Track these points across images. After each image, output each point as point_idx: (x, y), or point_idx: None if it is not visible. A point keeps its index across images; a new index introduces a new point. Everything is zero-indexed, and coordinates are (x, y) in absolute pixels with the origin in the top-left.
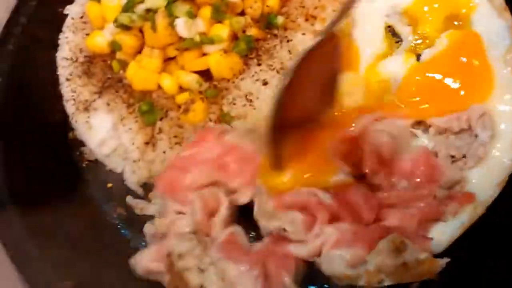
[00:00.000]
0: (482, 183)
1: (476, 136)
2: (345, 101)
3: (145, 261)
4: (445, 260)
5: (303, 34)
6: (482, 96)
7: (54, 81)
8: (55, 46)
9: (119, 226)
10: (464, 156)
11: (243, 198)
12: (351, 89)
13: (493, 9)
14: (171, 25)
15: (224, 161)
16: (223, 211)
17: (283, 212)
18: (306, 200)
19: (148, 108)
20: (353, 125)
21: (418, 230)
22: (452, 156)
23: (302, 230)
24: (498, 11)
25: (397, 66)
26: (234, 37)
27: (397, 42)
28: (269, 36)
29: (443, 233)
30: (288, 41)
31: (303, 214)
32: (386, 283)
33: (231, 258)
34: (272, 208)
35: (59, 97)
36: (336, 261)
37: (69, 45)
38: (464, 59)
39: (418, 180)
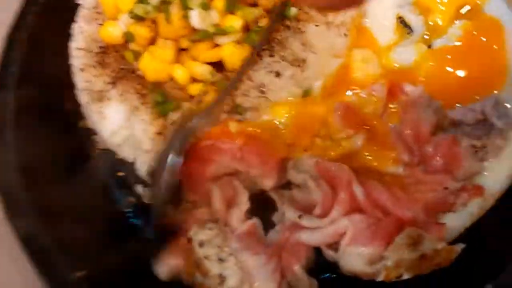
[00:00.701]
0: (493, 175)
1: (492, 125)
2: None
3: (166, 261)
4: (461, 245)
5: (316, 25)
6: (496, 85)
7: (66, 70)
8: (68, 36)
9: (129, 215)
10: (484, 146)
11: (268, 181)
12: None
13: (503, 1)
14: (185, 16)
15: (244, 151)
16: (245, 202)
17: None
18: (341, 181)
19: (162, 99)
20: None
21: (429, 218)
22: (474, 146)
23: (319, 204)
24: (508, 2)
25: (408, 54)
26: (247, 29)
27: (408, 33)
28: (282, 27)
29: (454, 221)
30: (301, 32)
31: (329, 188)
32: (405, 277)
33: (250, 249)
34: (309, 166)
35: (71, 86)
36: (355, 258)
37: (83, 35)
38: (482, 45)
39: (437, 164)
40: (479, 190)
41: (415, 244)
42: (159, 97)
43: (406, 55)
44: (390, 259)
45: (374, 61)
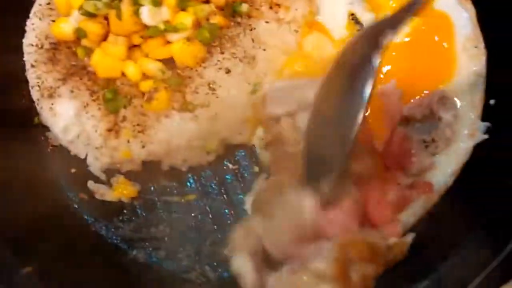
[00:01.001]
0: (439, 170)
1: (440, 118)
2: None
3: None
4: (411, 235)
5: (267, 22)
6: (444, 80)
7: (21, 67)
8: (23, 32)
9: (81, 211)
10: (433, 140)
11: None
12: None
13: None
14: (136, 13)
15: None
16: None
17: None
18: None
19: (112, 96)
20: None
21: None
22: (424, 141)
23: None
24: (458, 0)
25: None
26: (198, 25)
27: (359, 29)
28: (232, 24)
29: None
30: (251, 29)
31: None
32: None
33: None
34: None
35: (25, 83)
36: None
37: (35, 31)
38: (433, 40)
39: (389, 162)
40: (428, 187)
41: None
42: (110, 94)
43: None
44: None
45: (326, 42)
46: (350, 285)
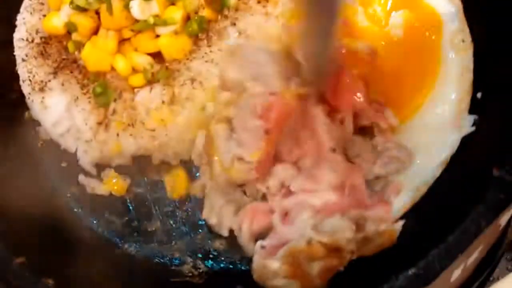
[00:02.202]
0: (423, 165)
1: None
2: None
3: None
4: (400, 223)
5: (252, 15)
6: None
7: (11, 61)
8: (13, 27)
9: (71, 205)
10: None
11: None
12: None
13: None
14: (126, 7)
15: None
16: None
17: None
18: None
19: (102, 90)
20: None
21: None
22: None
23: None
24: None
25: None
26: (187, 18)
27: None
28: (219, 17)
29: None
30: (238, 22)
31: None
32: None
33: None
34: None
35: (16, 78)
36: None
37: (25, 26)
38: (423, 37)
39: None
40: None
41: (358, 227)
42: (100, 87)
43: None
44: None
45: None
46: (309, 279)
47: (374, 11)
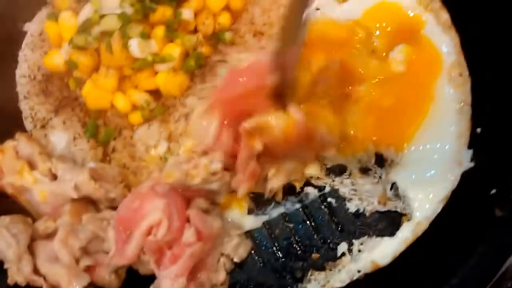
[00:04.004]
0: (424, 200)
1: None
2: None
3: None
4: None
5: (240, 52)
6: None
7: (14, 97)
8: (16, 63)
9: None
10: None
11: None
12: None
13: (439, 25)
14: (126, 46)
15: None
16: None
17: None
18: None
19: (93, 132)
20: None
21: None
22: None
23: None
24: (443, 28)
25: None
26: (186, 55)
27: None
28: (216, 52)
29: (389, 246)
30: (229, 59)
31: None
32: None
33: None
34: None
35: (19, 113)
36: None
37: (27, 62)
38: (424, 72)
39: None
40: None
41: None
42: (92, 128)
43: None
44: None
45: None
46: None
47: (375, 45)
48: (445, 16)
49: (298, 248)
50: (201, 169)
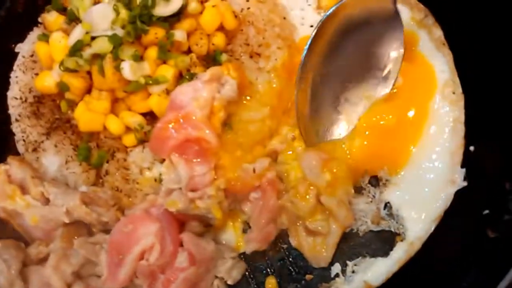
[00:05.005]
0: (417, 219)
1: None
2: None
3: None
4: None
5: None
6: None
7: (7, 119)
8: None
9: None
10: None
11: None
12: None
13: (431, 42)
14: (118, 69)
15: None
16: None
17: None
18: None
19: (85, 155)
20: None
21: None
22: None
23: None
24: (436, 45)
25: None
26: (179, 76)
27: None
28: None
29: (382, 267)
30: None
31: None
32: None
33: None
34: None
35: (12, 135)
36: None
37: (18, 84)
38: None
39: None
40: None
41: None
42: (84, 151)
43: None
44: None
45: None
46: None
47: None
48: (438, 32)
49: (292, 269)
50: (207, 199)
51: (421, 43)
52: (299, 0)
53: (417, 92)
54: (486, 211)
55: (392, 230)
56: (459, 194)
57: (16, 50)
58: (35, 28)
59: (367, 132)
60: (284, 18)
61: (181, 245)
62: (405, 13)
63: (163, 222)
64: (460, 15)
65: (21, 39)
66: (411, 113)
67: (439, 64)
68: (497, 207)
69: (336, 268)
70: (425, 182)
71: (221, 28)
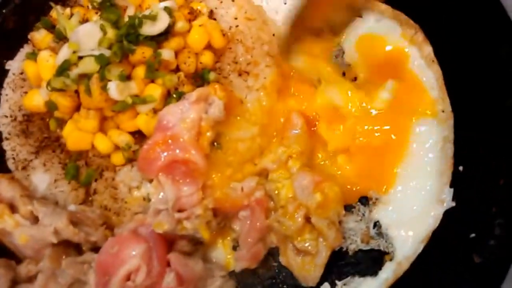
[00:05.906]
0: (406, 239)
1: None
2: None
3: None
4: None
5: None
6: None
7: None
8: None
9: None
10: None
11: None
12: None
13: (421, 58)
14: (104, 88)
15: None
16: None
17: None
18: None
19: (73, 174)
20: None
21: None
22: None
23: None
24: (426, 62)
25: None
26: (167, 95)
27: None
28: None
29: (371, 286)
30: None
31: None
32: None
33: None
34: None
35: (3, 152)
36: None
37: (8, 102)
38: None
39: None
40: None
41: None
42: (73, 169)
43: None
44: None
45: None
46: None
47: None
48: (428, 49)
49: None
50: (194, 219)
51: (411, 61)
52: None
53: (407, 110)
54: (473, 235)
55: (381, 249)
56: (447, 216)
57: (6, 67)
58: (25, 45)
59: (356, 152)
60: (273, 35)
61: (169, 265)
62: (395, 29)
63: (150, 242)
64: (450, 32)
65: (12, 56)
66: (399, 132)
67: (429, 82)
68: (483, 231)
69: (325, 287)
70: (414, 201)
71: (209, 46)
